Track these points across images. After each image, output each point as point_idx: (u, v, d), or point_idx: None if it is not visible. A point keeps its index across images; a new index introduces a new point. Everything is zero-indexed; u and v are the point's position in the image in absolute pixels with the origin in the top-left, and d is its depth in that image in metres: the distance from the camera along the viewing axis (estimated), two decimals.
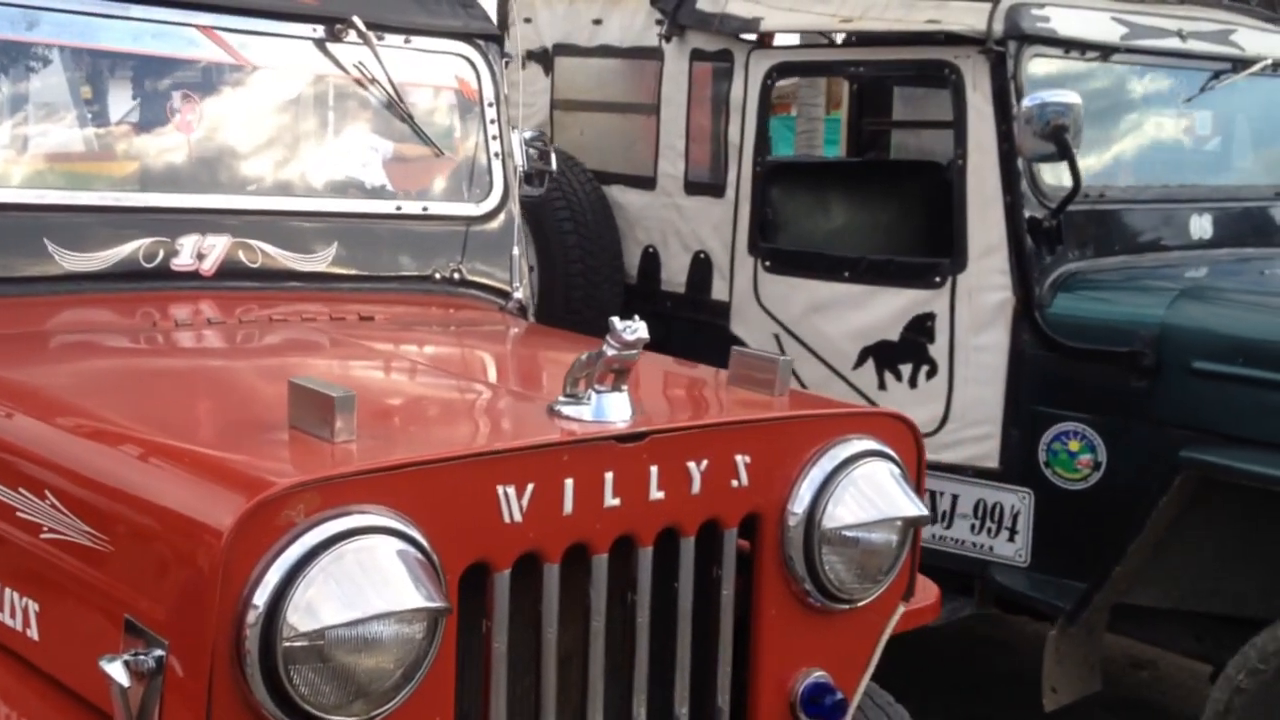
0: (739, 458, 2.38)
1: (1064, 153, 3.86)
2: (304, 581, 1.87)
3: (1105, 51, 4.37)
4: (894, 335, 4.32)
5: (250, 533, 1.86)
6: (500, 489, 2.09)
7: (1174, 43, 4.52)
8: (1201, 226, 4.56)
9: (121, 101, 3.25)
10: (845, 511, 2.46)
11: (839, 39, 4.88)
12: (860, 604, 2.56)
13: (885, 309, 4.35)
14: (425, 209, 3.50)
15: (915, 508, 2.52)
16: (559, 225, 4.98)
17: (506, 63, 3.80)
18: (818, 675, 2.52)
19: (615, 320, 2.24)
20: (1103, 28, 4.37)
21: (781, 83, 4.89)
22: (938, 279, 4.24)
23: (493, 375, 3.04)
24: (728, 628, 2.43)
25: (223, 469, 2.06)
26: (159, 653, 1.89)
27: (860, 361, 4.40)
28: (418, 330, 3.20)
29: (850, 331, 4.43)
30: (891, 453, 2.55)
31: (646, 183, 5.04)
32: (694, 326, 4.81)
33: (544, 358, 3.14)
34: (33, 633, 2.21)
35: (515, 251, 3.57)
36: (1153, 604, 3.92)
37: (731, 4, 4.74)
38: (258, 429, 2.20)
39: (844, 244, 4.90)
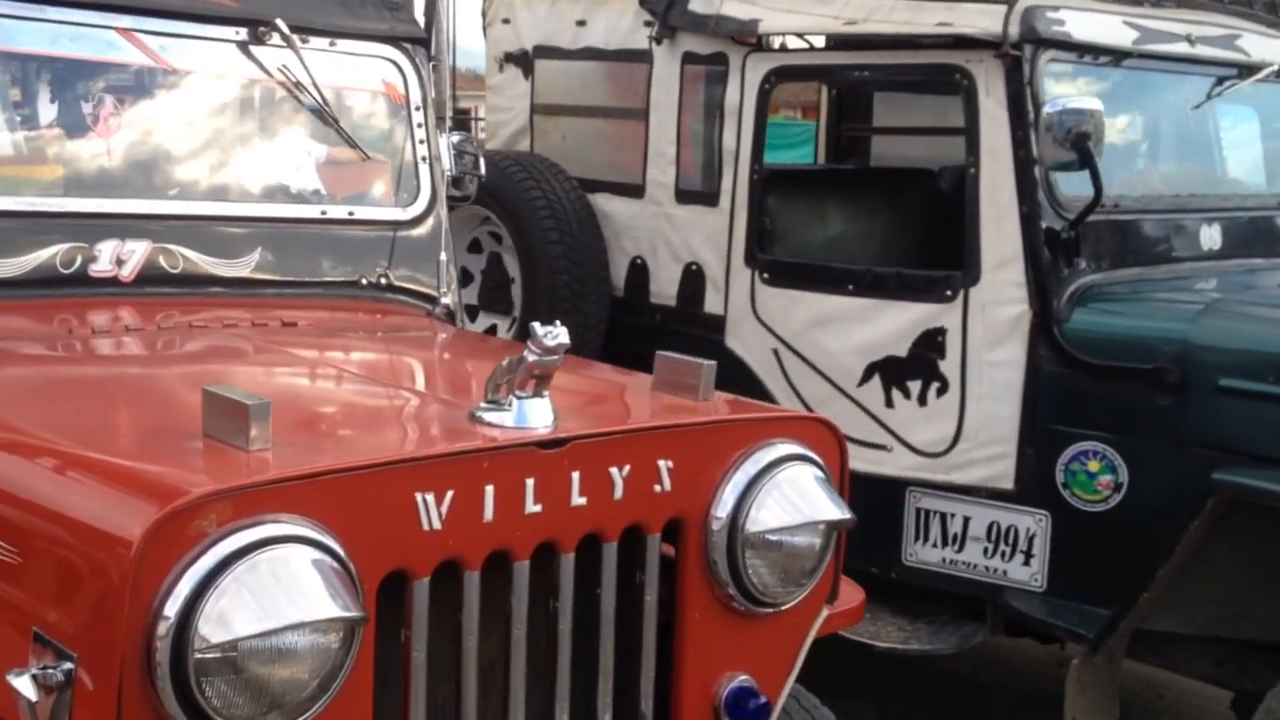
0: (662, 463, 2.38)
1: (1086, 161, 3.72)
2: (216, 592, 1.85)
3: (1117, 56, 4.20)
4: (902, 351, 4.14)
5: (161, 543, 1.83)
6: (419, 496, 2.07)
7: (1183, 48, 4.37)
8: (1211, 237, 4.41)
9: (40, 105, 3.19)
10: (769, 515, 2.47)
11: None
12: (784, 607, 2.57)
13: (892, 323, 4.16)
14: (351, 213, 3.47)
15: (838, 511, 2.54)
16: (543, 235, 4.76)
17: (434, 66, 3.77)
18: (742, 679, 2.52)
19: (536, 326, 2.23)
20: (1115, 31, 4.21)
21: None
22: (949, 292, 4.05)
23: (416, 381, 3.02)
24: (651, 633, 2.43)
25: (134, 479, 2.03)
26: (68, 666, 1.86)
27: (866, 378, 4.21)
28: (342, 336, 3.18)
29: (855, 347, 4.24)
30: (815, 456, 2.56)
31: (634, 191, 4.84)
32: (686, 341, 4.46)
33: (469, 364, 3.12)
34: None
35: (443, 256, 3.55)
36: (1173, 629, 3.77)
37: (727, 5, 4.54)
38: (172, 438, 2.18)
39: (845, 255, 4.71)
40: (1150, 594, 3.58)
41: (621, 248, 4.85)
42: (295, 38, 3.33)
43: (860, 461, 4.00)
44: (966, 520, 4.04)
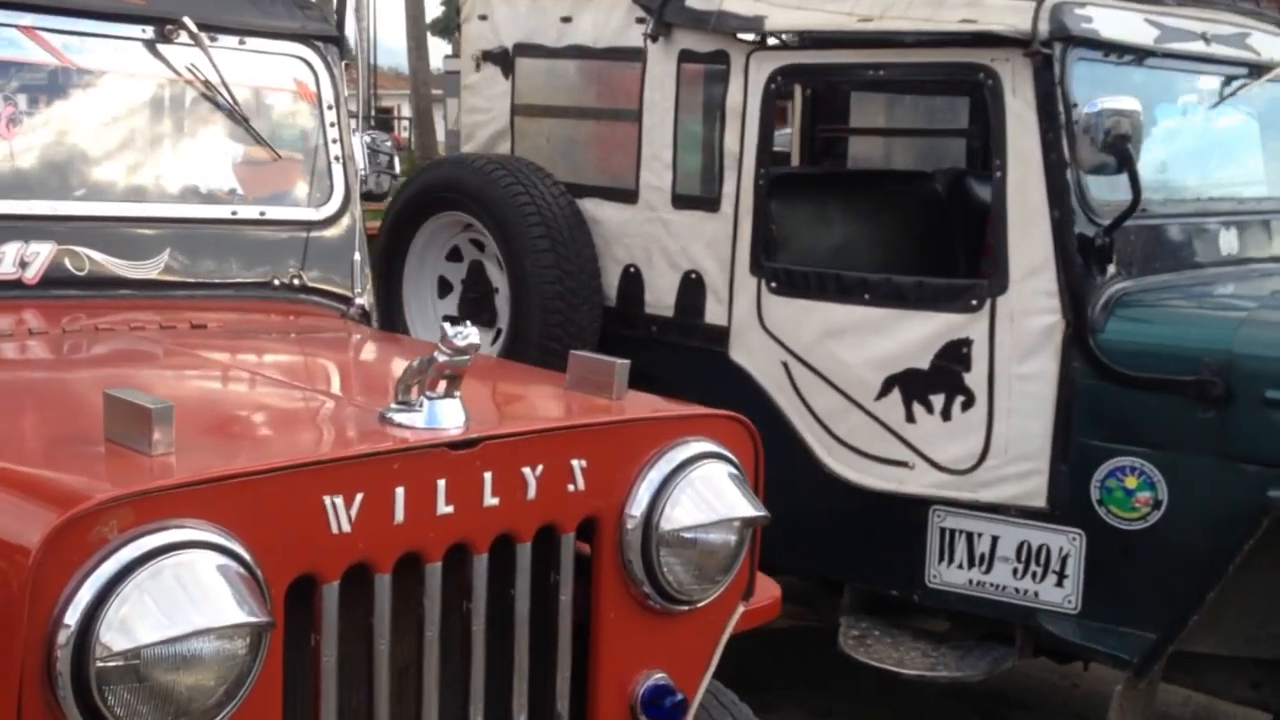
0: (575, 462, 2.37)
1: (1124, 165, 3.57)
2: (118, 599, 1.82)
3: (1140, 55, 4.02)
4: (923, 363, 3.92)
5: (60, 550, 1.80)
6: (327, 499, 2.05)
7: (1199, 46, 4.21)
8: (1229, 241, 4.27)
9: None
10: (683, 513, 2.47)
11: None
12: (700, 605, 2.57)
13: (913, 334, 3.94)
14: (263, 214, 3.43)
15: (753, 508, 2.54)
16: (533, 243, 4.48)
17: (346, 65, 3.74)
18: (658, 677, 2.53)
19: (447, 326, 2.22)
20: (1138, 29, 4.04)
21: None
22: (974, 301, 3.85)
23: (326, 383, 2.99)
24: (566, 633, 2.43)
25: (33, 485, 1.99)
26: None
27: (884, 392, 4.00)
28: (252, 338, 3.14)
29: (872, 359, 4.01)
30: (729, 454, 2.57)
31: (626, 196, 4.57)
32: (685, 353, 4.40)
33: (382, 365, 3.10)
34: None
35: (357, 256, 3.52)
36: (1210, 650, 3.63)
37: (728, 1, 4.30)
38: (75, 443, 2.14)
39: (854, 262, 4.47)
40: (1199, 615, 3.45)
41: (613, 255, 4.61)
42: (203, 36, 3.28)
43: (879, 479, 4.02)
44: (995, 540, 3.87)
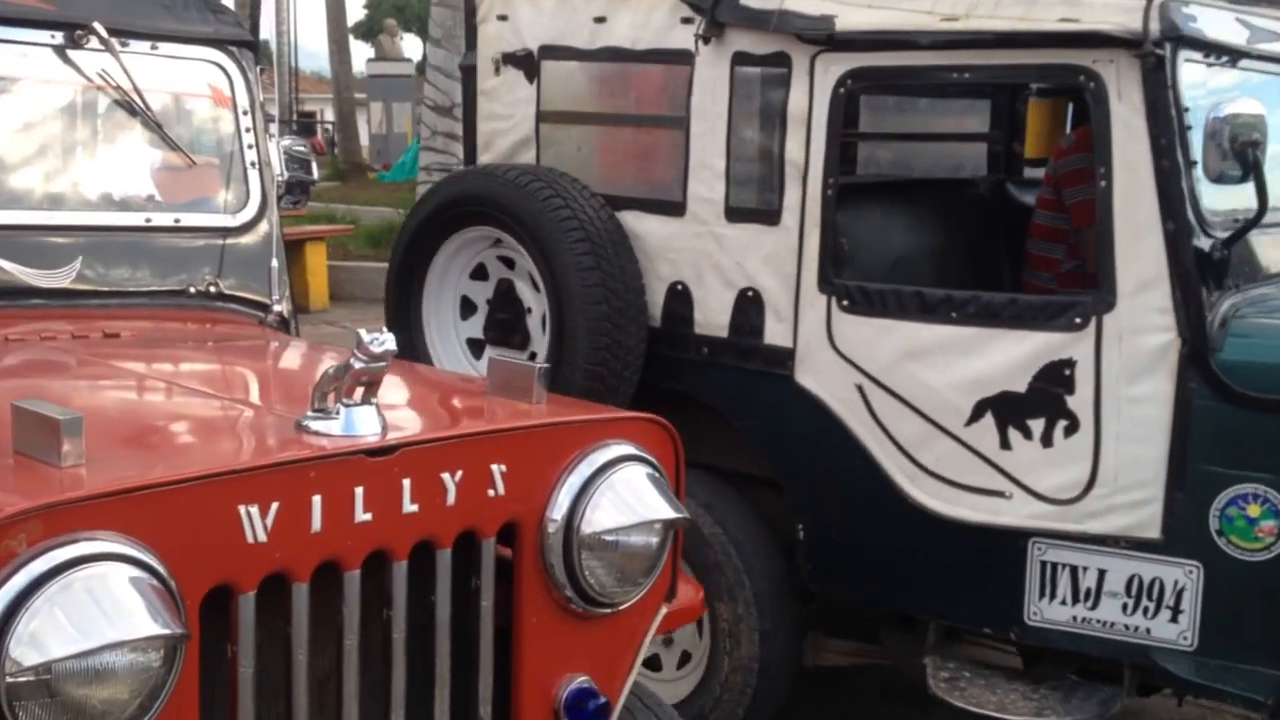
0: (495, 467, 2.37)
1: (1251, 173, 3.39)
2: (27, 613, 1.79)
3: (1235, 56, 3.79)
4: (1020, 386, 3.65)
5: None
6: (242, 509, 2.03)
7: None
8: None
9: None
10: (604, 516, 2.48)
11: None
12: (622, 607, 2.58)
13: (1007, 355, 3.66)
14: (177, 221, 3.39)
15: (673, 510, 2.56)
16: (577, 260, 4.13)
17: (262, 70, 3.71)
18: (581, 680, 2.53)
19: (363, 332, 2.21)
20: (1232, 29, 3.82)
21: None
22: (1078, 319, 3.57)
23: (242, 392, 2.96)
24: (488, 638, 2.42)
25: None
26: None
27: (975, 417, 3.71)
28: (167, 347, 3.10)
29: (961, 382, 3.72)
30: (649, 457, 2.58)
31: (672, 208, 4.23)
32: (742, 376, 4.11)
33: (300, 373, 3.08)
34: None
35: (275, 263, 3.49)
36: None
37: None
38: None
39: (916, 275, 4.22)
40: None
41: (656, 272, 4.26)
42: (114, 41, 3.24)
43: (971, 510, 3.75)
44: (1102, 573, 3.62)
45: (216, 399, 2.69)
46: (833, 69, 3.91)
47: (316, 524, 2.12)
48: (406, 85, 25.52)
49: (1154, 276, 3.52)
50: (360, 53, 34.32)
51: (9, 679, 1.79)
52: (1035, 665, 3.92)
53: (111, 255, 3.24)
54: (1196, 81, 3.62)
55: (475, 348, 4.61)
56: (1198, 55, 3.63)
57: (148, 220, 3.34)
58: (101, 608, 1.84)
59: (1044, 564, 3.69)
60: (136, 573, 1.88)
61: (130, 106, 3.32)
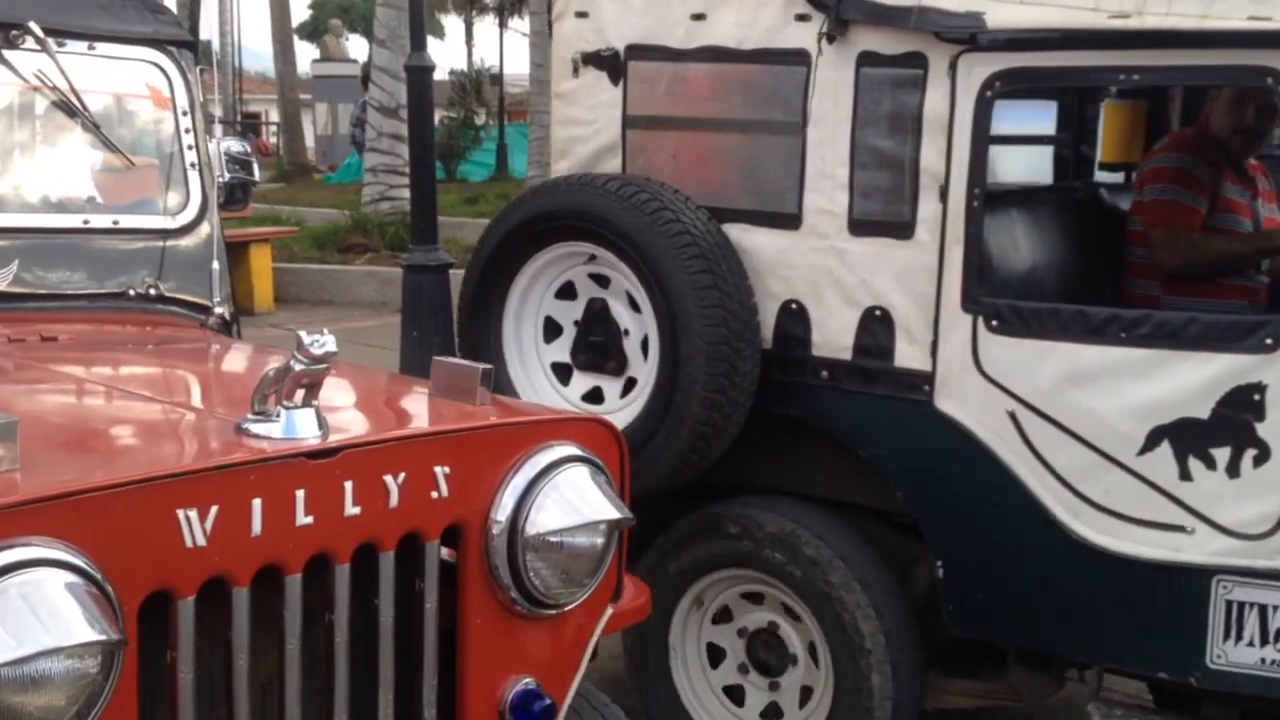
0: (438, 468, 2.35)
1: None
2: None
3: None
4: (1202, 412, 3.38)
5: None
6: (180, 513, 2.01)
7: None
8: None
9: None
10: (548, 517, 2.47)
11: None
12: (567, 608, 2.58)
13: (1186, 379, 3.39)
14: (116, 222, 3.36)
15: (617, 511, 2.55)
16: (694, 280, 3.78)
17: (202, 70, 3.68)
18: (526, 682, 2.52)
19: (303, 334, 2.19)
20: None
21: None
22: (1269, 340, 3.29)
23: (182, 395, 2.93)
24: (432, 641, 2.41)
25: None
26: None
27: (1149, 446, 3.44)
28: (105, 350, 3.07)
29: (1132, 408, 3.44)
30: (594, 457, 2.58)
31: (785, 220, 3.88)
32: (867, 402, 3.80)
33: (241, 376, 3.05)
34: None
35: (215, 265, 3.47)
36: None
37: None
38: None
39: (1049, 290, 3.95)
40: None
41: (768, 290, 3.92)
42: (50, 41, 3.20)
43: (1146, 545, 3.49)
44: None
45: (155, 402, 2.67)
46: (977, 70, 3.58)
47: (257, 527, 2.10)
48: (352, 86, 25.39)
49: None
50: (305, 53, 34.14)
51: None
52: (1201, 708, 3.68)
53: (49, 258, 3.20)
54: None
55: (560, 372, 4.23)
56: None
57: (86, 222, 3.30)
58: (37, 614, 1.81)
59: (1229, 603, 3.44)
60: (72, 578, 1.86)
61: (68, 107, 3.29)
